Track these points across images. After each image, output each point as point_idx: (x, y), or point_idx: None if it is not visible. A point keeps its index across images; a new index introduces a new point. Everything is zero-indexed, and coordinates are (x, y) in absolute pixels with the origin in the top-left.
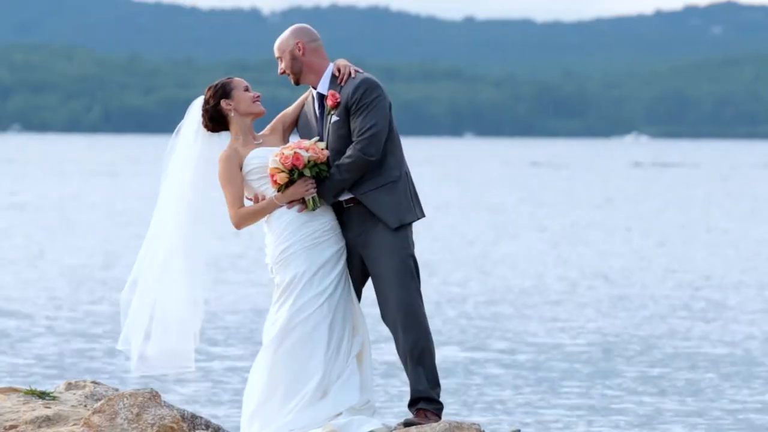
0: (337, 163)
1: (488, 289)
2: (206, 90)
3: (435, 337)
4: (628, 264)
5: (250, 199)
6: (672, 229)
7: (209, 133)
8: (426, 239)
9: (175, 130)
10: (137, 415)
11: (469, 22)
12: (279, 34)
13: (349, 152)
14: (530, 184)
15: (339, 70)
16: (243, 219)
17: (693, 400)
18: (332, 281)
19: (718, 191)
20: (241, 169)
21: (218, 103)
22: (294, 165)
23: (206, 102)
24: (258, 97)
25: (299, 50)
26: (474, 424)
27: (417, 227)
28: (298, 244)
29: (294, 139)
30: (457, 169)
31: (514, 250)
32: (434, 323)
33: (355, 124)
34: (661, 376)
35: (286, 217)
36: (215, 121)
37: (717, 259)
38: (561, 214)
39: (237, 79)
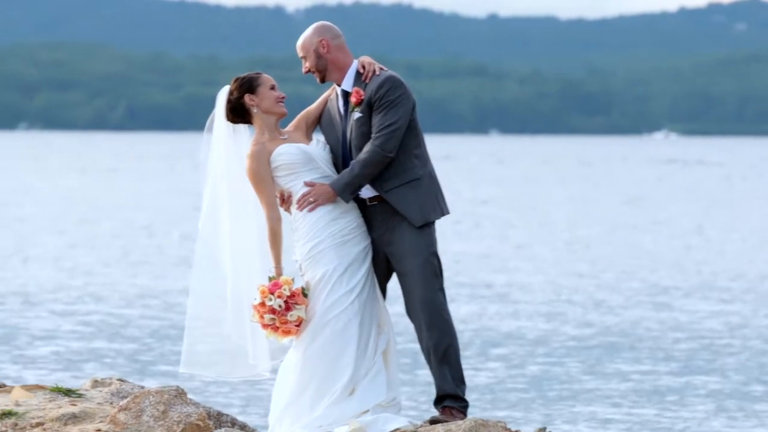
0: (354, 160)
1: (519, 286)
2: (232, 81)
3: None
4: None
5: (276, 196)
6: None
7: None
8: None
9: (207, 123)
10: (163, 412)
11: (493, 19)
12: (303, 32)
13: (366, 148)
14: None
15: (364, 67)
16: (279, 223)
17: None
18: (361, 278)
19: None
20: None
21: (242, 97)
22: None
23: (230, 93)
24: (283, 98)
25: (324, 48)
26: (500, 421)
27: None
28: (328, 241)
29: (318, 136)
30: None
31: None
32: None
33: (376, 120)
34: (693, 373)
35: (314, 214)
36: (237, 113)
37: None
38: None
39: (265, 75)
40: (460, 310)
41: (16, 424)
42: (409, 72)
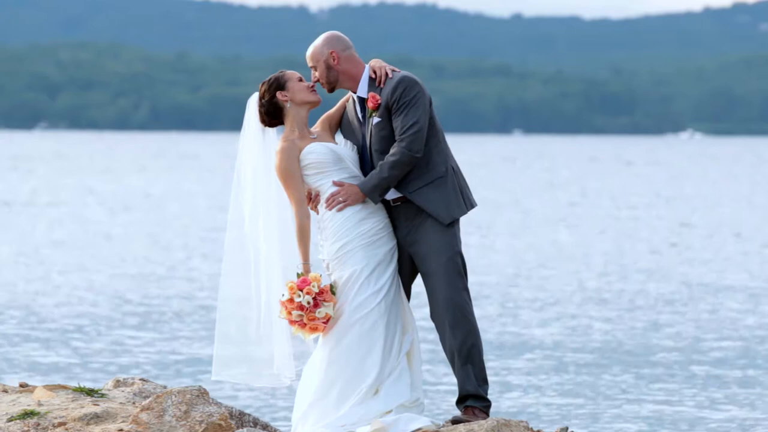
0: (381, 162)
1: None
2: (260, 86)
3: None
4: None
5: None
6: None
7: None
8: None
9: (241, 132)
10: (185, 412)
11: (517, 18)
12: (324, 33)
13: (393, 150)
14: None
15: (375, 72)
16: (308, 220)
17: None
18: (388, 279)
19: None
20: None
21: (274, 96)
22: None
23: (261, 97)
24: (313, 85)
25: (333, 60)
26: (522, 421)
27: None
28: (356, 241)
29: (339, 139)
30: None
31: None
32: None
33: (397, 123)
34: (721, 377)
35: (342, 213)
36: (271, 114)
37: None
38: None
39: (289, 71)
40: (486, 309)
41: (38, 424)
42: (433, 72)
